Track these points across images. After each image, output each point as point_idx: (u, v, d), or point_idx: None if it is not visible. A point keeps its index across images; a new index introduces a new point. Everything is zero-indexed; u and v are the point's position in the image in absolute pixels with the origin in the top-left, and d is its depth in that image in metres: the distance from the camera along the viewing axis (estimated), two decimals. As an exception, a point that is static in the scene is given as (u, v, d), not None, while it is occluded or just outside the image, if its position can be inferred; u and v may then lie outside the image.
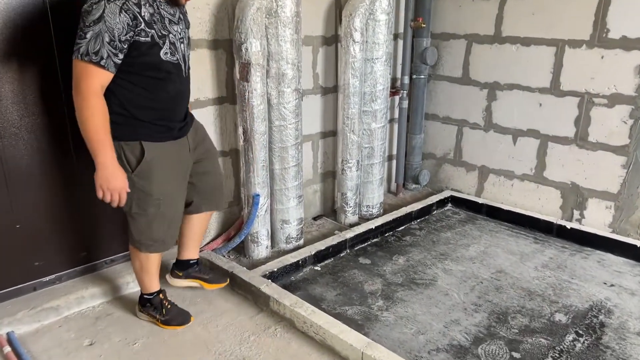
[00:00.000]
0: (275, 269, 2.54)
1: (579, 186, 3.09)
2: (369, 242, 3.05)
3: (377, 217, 3.36)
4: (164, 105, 1.93)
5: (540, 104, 3.14)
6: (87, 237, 2.42)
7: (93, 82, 1.72)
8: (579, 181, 3.09)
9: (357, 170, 3.13)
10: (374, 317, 2.30)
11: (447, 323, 2.26)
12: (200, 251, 2.71)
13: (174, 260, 2.44)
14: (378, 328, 2.21)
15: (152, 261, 2.15)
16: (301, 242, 2.92)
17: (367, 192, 3.30)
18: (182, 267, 2.42)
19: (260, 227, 2.70)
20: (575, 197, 3.12)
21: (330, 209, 3.47)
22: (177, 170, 2.04)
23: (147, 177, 1.93)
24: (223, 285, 2.44)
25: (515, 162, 3.35)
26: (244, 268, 2.52)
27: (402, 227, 3.26)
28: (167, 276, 2.44)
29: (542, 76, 3.11)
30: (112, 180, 1.82)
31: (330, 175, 3.39)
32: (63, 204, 2.29)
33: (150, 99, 1.88)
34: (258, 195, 2.60)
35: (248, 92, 2.45)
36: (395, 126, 3.64)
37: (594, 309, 2.36)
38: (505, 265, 2.77)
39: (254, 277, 2.42)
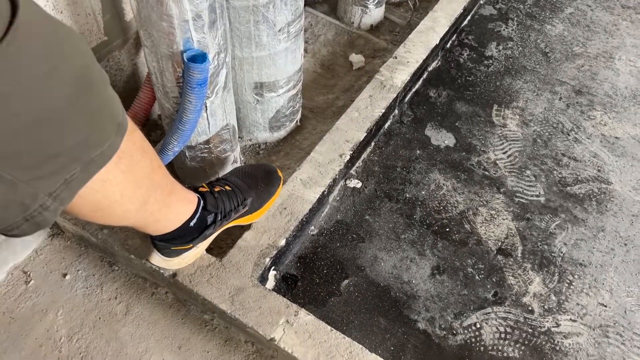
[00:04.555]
0: (284, 242, 1.00)
1: None
2: (427, 73, 1.46)
3: (416, -3, 1.65)
4: None
5: None
6: None
7: None
8: None
9: None
10: (551, 348, 1.00)
11: (699, 330, 1.04)
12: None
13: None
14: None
15: None
16: (298, 117, 1.27)
17: (408, -52, 1.49)
18: (182, 238, 0.86)
19: (214, 127, 0.99)
20: None
21: (316, -16, 1.65)
22: None
23: None
24: (278, 193, 1.03)
25: None
26: (207, 258, 0.95)
27: (469, 17, 1.63)
28: (156, 258, 0.90)
29: None
30: None
31: None
32: None
33: None
34: (204, 56, 0.79)
35: None
36: None
37: None
38: (702, 106, 1.42)
39: (250, 294, 0.90)
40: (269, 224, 1.01)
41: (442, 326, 1.00)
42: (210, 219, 0.86)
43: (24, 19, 0.44)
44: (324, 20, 1.54)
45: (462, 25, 1.60)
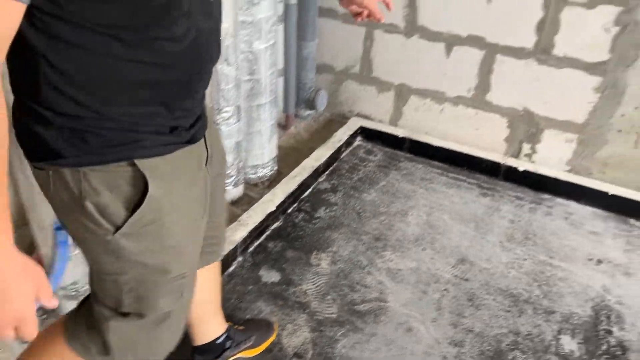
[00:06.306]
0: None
1: (534, 114, 2.32)
2: (269, 231, 2.01)
3: (270, 179, 2.29)
4: (171, 74, 0.76)
5: (489, 0, 2.17)
6: None
7: None
8: (535, 107, 2.31)
9: (237, 121, 1.94)
10: (316, 414, 1.39)
11: (429, 399, 1.45)
12: None
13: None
14: None
15: None
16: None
17: (254, 148, 2.16)
18: (210, 353, 1.39)
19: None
20: (526, 127, 2.37)
21: (197, 173, 2.28)
22: (200, 206, 0.92)
23: (155, 236, 0.82)
24: (272, 339, 1.56)
25: (448, 80, 2.43)
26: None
27: (309, 191, 2.26)
28: None
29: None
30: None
31: (191, 124, 2.15)
32: None
33: (139, 62, 0.72)
34: (64, 242, 1.33)
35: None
36: (281, 30, 2.39)
37: (600, 316, 1.73)
38: (464, 246, 2.00)
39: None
40: None
41: (243, 408, 1.38)
42: (228, 344, 1.39)
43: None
44: (199, 197, 2.13)
45: (303, 196, 2.21)
